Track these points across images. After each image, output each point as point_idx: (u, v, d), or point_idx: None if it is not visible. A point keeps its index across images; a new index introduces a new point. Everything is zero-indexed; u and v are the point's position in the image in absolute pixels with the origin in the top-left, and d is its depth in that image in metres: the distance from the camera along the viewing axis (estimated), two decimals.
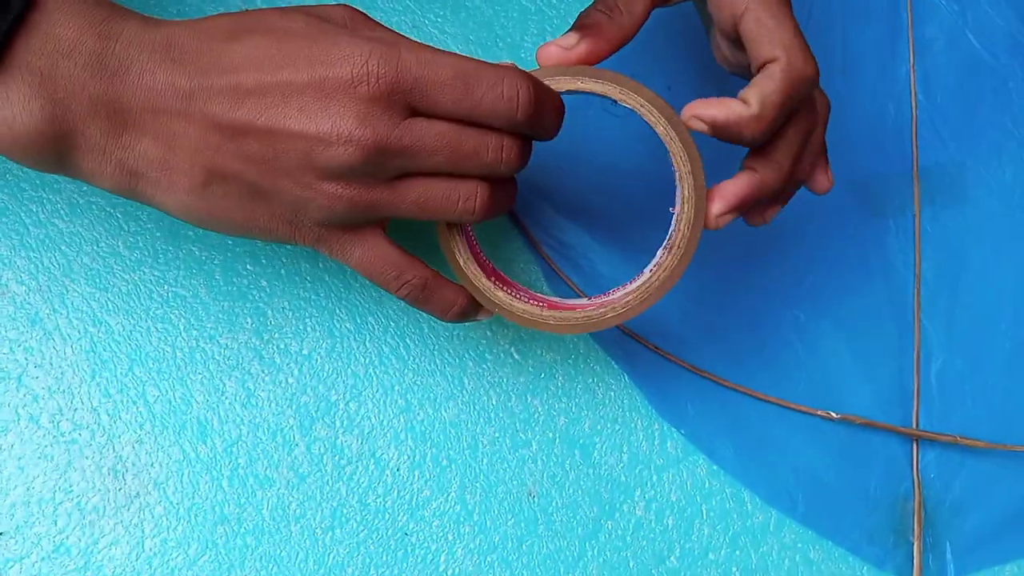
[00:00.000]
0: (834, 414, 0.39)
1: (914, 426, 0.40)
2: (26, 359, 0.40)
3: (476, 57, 0.44)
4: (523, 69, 0.32)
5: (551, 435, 0.40)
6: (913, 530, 0.39)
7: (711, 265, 0.42)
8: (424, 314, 0.41)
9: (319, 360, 0.40)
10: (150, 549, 0.38)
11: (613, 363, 0.41)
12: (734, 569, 0.39)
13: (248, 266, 0.41)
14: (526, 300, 0.35)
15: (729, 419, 0.40)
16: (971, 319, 0.41)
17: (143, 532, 0.38)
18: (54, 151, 0.30)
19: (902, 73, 0.44)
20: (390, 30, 0.32)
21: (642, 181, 0.43)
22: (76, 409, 0.39)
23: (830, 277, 0.42)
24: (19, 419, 0.39)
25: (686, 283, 0.41)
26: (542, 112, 0.31)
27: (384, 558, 0.38)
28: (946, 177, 0.43)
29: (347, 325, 0.41)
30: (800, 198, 0.43)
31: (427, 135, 0.30)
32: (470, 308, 0.35)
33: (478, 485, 0.39)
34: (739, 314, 0.41)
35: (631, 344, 0.41)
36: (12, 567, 0.38)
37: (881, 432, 0.40)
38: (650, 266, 0.35)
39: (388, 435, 0.40)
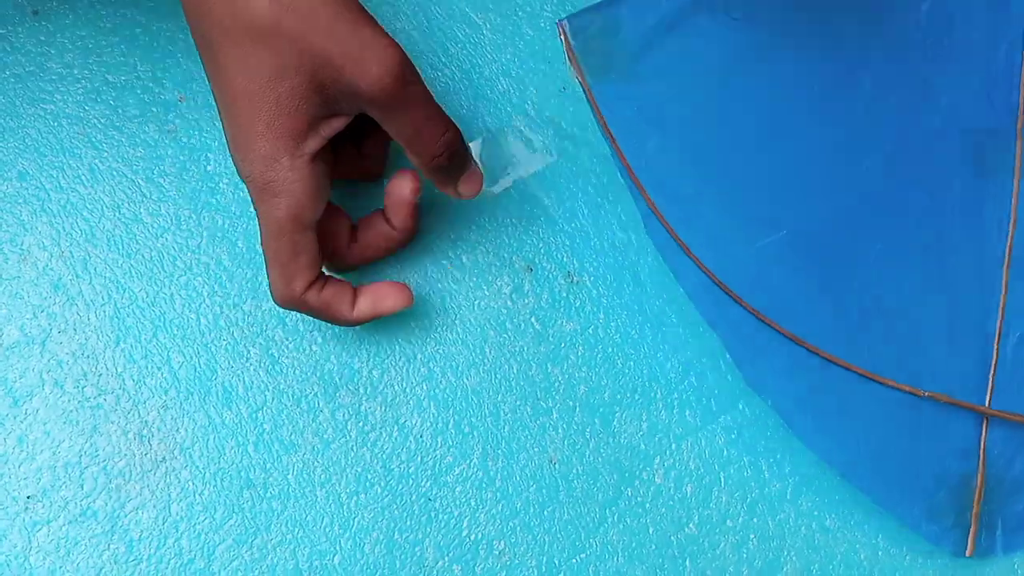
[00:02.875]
0: (922, 391, 0.38)
1: (987, 403, 0.39)
2: (50, 324, 0.40)
3: (494, 26, 0.43)
4: None
5: (572, 404, 0.40)
6: (973, 508, 0.38)
7: (817, 221, 0.39)
8: (446, 284, 0.41)
9: (342, 328, 0.41)
10: (176, 513, 0.38)
11: (633, 333, 0.41)
12: (751, 536, 0.39)
13: None
14: None
15: (809, 384, 0.38)
16: None
17: (169, 496, 0.38)
18: None
19: (1020, 11, 0.40)
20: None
21: (753, 111, 0.39)
22: (101, 374, 0.40)
23: (928, 242, 0.39)
24: (44, 384, 0.39)
25: (794, 235, 0.38)
26: None
27: (408, 523, 0.39)
28: None
29: None
30: (909, 148, 0.39)
31: None
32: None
33: (500, 452, 0.40)
34: (836, 276, 0.39)
35: (715, 290, 0.38)
36: (40, 530, 0.38)
37: (956, 409, 0.39)
38: None
39: (411, 402, 0.40)
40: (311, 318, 0.40)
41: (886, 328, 0.39)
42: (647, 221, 0.38)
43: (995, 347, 0.39)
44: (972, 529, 0.38)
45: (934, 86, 0.40)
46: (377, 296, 0.37)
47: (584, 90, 0.38)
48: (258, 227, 0.35)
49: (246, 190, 0.41)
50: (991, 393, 0.39)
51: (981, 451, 0.39)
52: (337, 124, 0.34)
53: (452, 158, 0.36)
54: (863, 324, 0.39)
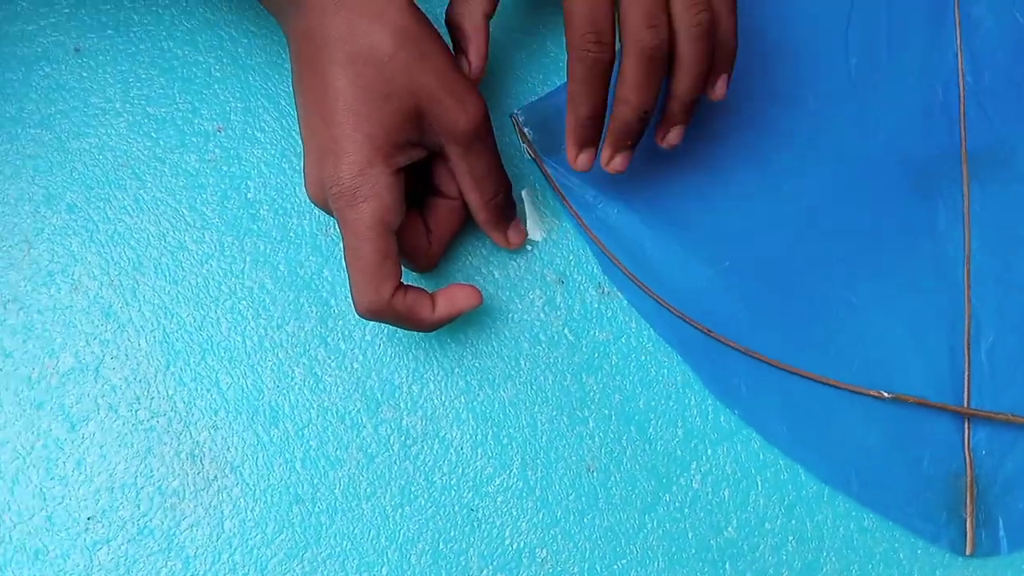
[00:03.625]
0: (885, 394, 0.40)
1: (965, 405, 0.40)
2: (102, 351, 0.42)
3: (519, 44, 0.44)
4: None
5: (607, 412, 0.41)
6: (966, 506, 0.40)
7: (762, 248, 0.42)
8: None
9: (381, 345, 0.42)
10: (229, 530, 0.40)
11: (665, 343, 0.42)
12: (790, 538, 0.40)
13: (311, 258, 0.43)
14: None
15: (782, 399, 0.41)
16: (1022, 298, 0.41)
17: (222, 514, 0.40)
18: None
19: (949, 53, 0.45)
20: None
21: (692, 161, 0.43)
22: (153, 398, 0.41)
23: (881, 257, 0.42)
24: (99, 409, 0.41)
25: (738, 265, 0.42)
26: None
27: (452, 533, 0.40)
28: (994, 157, 0.43)
29: None
30: (849, 179, 0.43)
31: None
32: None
33: (539, 462, 0.41)
34: (791, 294, 0.42)
35: (683, 327, 0.42)
36: (100, 549, 0.40)
37: (933, 411, 0.40)
38: None
39: (450, 415, 0.41)
40: (351, 336, 0.42)
41: (852, 343, 0.41)
42: (601, 261, 0.43)
43: (966, 353, 0.41)
44: (969, 527, 0.39)
45: (868, 125, 0.44)
46: (452, 297, 0.39)
47: (538, 164, 0.43)
48: (341, 240, 0.37)
49: (288, 215, 0.43)
50: (968, 396, 0.41)
51: (966, 451, 0.40)
52: (418, 154, 0.38)
53: (507, 199, 0.41)
54: (827, 340, 0.41)
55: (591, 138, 0.38)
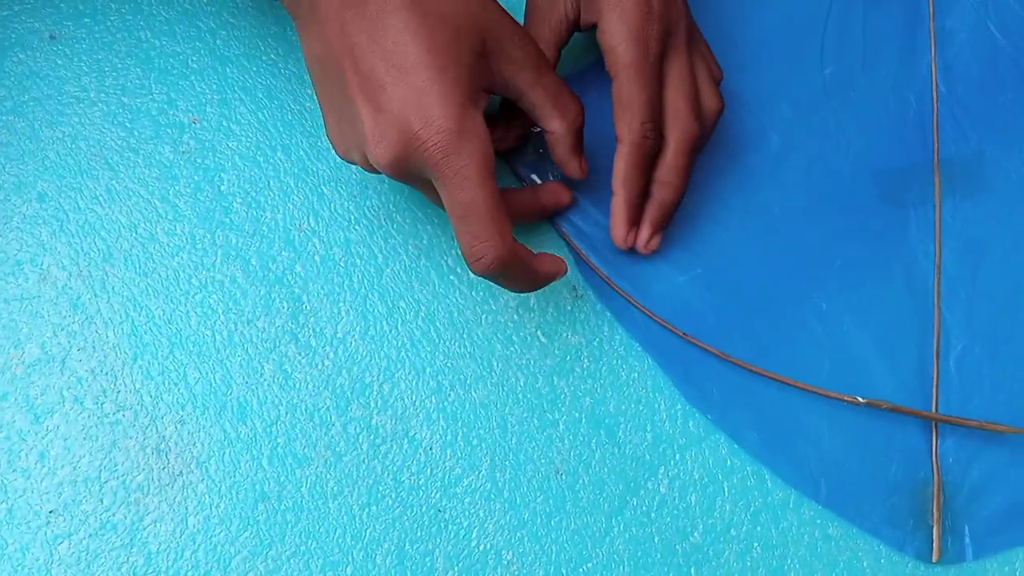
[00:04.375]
0: (860, 399, 0.40)
1: (934, 410, 0.41)
2: (69, 343, 0.41)
3: None
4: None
5: (577, 415, 0.41)
6: (932, 514, 0.40)
7: (734, 255, 0.43)
8: (454, 299, 0.42)
9: (353, 343, 0.42)
10: (193, 526, 0.39)
11: (637, 346, 0.42)
12: (755, 544, 0.40)
13: (283, 253, 0.42)
14: None
15: (753, 404, 0.41)
16: (991, 308, 0.42)
17: (186, 509, 0.40)
18: None
19: (923, 64, 0.45)
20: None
21: None
22: (119, 391, 0.41)
23: (852, 266, 0.43)
24: (64, 401, 0.41)
25: (710, 272, 0.42)
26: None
27: (418, 533, 0.40)
28: (967, 168, 0.44)
29: (379, 309, 0.42)
30: (822, 188, 0.44)
31: None
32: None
33: (507, 463, 0.41)
34: (762, 302, 0.42)
35: (656, 330, 0.42)
36: (61, 543, 0.39)
37: (901, 418, 0.41)
38: None
39: (420, 415, 0.41)
40: (322, 333, 0.41)
41: (821, 350, 0.42)
42: (575, 263, 0.43)
43: (935, 361, 0.41)
44: (935, 534, 0.39)
45: (842, 135, 0.44)
46: (552, 258, 0.38)
47: (512, 169, 0.43)
48: (444, 196, 0.35)
49: (261, 208, 0.43)
50: (936, 403, 0.41)
51: (934, 458, 0.40)
52: (485, 102, 0.36)
53: (583, 122, 0.39)
54: (797, 346, 0.42)
55: (638, 216, 0.41)
